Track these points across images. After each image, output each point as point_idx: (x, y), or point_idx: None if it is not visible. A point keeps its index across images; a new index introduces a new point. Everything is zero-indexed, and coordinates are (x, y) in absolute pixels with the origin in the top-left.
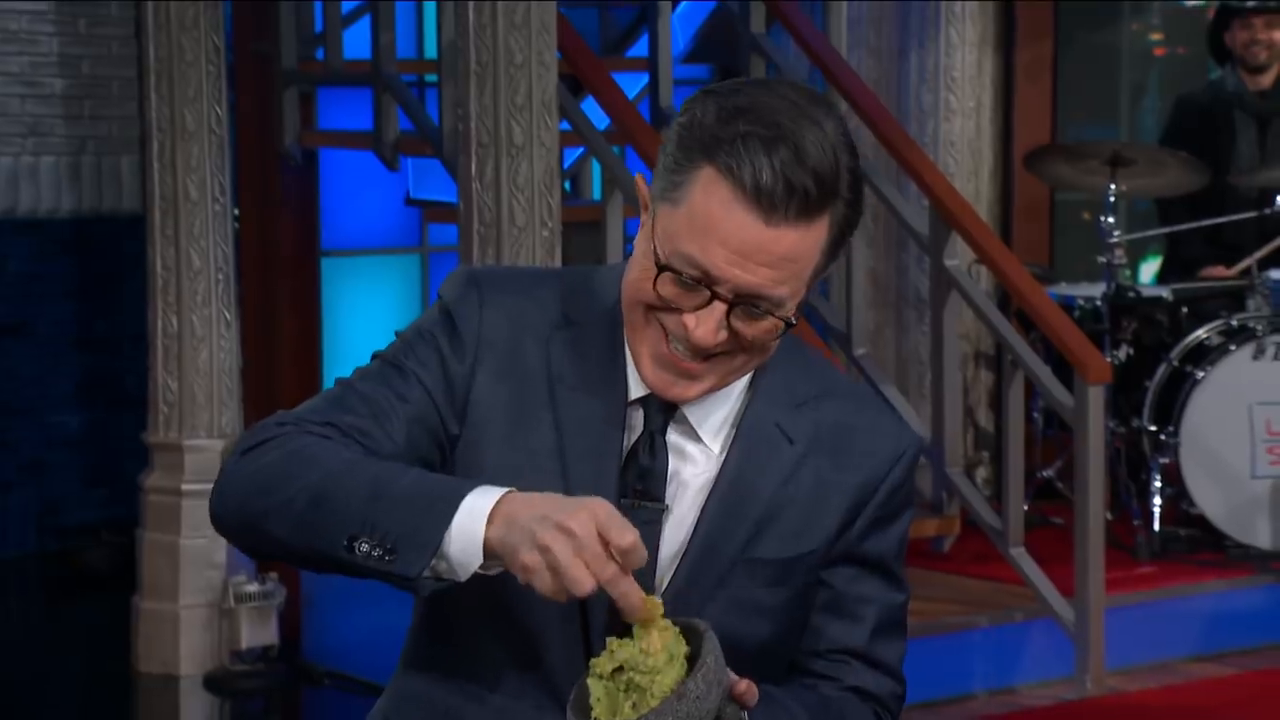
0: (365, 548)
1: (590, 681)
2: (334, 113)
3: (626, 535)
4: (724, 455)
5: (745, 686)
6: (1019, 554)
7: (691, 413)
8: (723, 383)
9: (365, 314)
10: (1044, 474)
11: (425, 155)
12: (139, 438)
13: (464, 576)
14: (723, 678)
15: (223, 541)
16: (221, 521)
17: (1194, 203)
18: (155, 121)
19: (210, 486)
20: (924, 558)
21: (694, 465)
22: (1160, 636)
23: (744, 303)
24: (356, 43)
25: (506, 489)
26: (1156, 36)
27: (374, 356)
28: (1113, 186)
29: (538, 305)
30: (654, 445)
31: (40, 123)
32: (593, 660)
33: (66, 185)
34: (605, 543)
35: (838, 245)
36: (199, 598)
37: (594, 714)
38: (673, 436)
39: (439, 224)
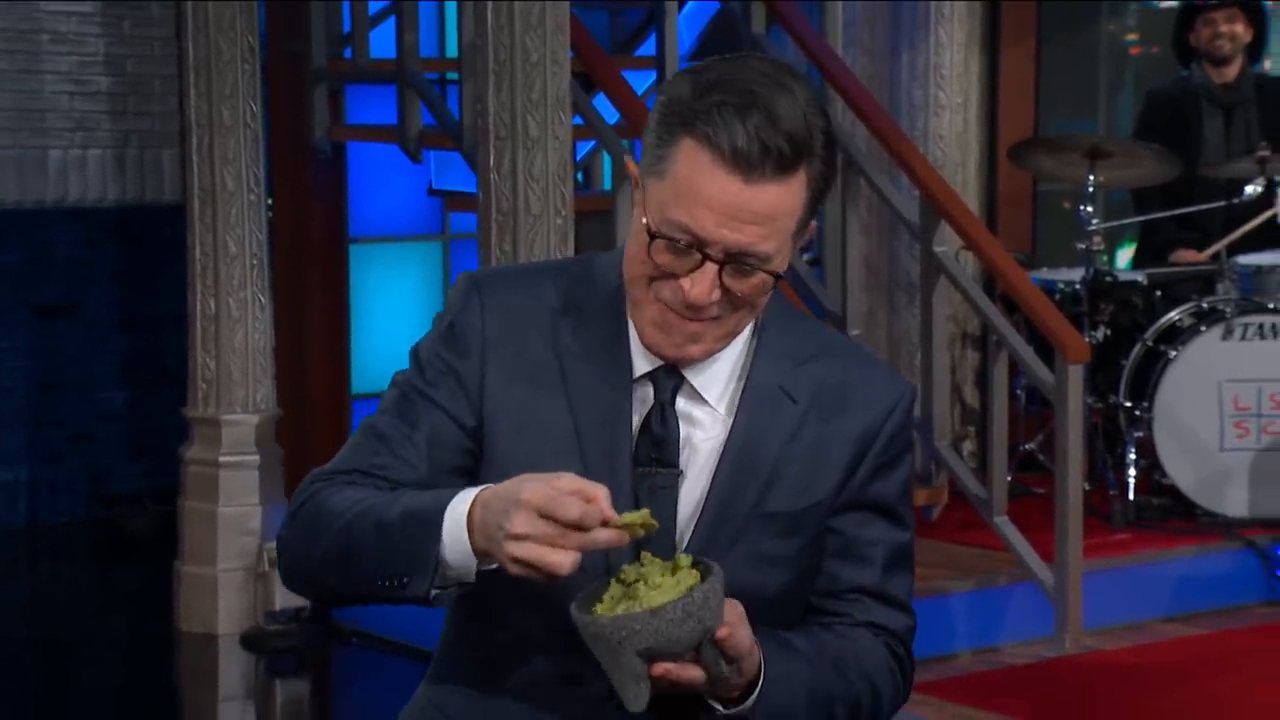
0: (386, 584)
1: (613, 582)
2: (361, 108)
3: (570, 509)
4: (731, 418)
5: (726, 633)
6: (1003, 522)
7: (697, 380)
8: (721, 342)
9: (390, 297)
10: (1026, 447)
11: (446, 148)
12: (179, 412)
13: (472, 577)
14: (706, 617)
15: (258, 509)
16: (292, 586)
17: (1167, 192)
18: (194, 117)
19: (245, 459)
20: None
21: (703, 430)
22: (1134, 599)
23: (734, 261)
24: (382, 42)
25: (481, 487)
26: (1132, 36)
27: (393, 383)
28: (1091, 177)
29: (538, 300)
30: (665, 415)
31: (88, 118)
32: (624, 566)
33: (112, 176)
34: (557, 519)
35: (816, 201)
36: (236, 562)
37: (593, 606)
38: (682, 404)
39: (459, 213)
